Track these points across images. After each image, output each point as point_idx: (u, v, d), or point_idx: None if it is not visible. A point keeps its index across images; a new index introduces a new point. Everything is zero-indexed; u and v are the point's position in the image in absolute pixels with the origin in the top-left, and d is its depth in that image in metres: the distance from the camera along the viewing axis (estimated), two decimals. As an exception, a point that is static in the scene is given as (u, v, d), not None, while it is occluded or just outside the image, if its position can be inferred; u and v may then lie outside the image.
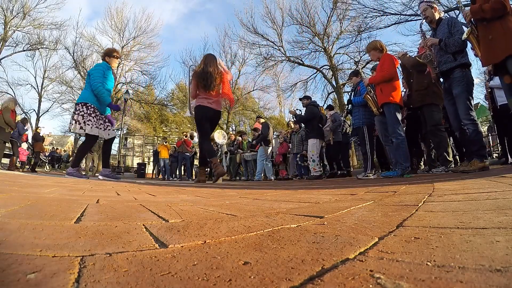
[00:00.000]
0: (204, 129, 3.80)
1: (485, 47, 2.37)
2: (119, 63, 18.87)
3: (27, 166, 10.66)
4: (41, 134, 9.34)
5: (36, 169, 8.93)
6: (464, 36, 2.54)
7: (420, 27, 3.25)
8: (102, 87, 3.65)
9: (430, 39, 2.99)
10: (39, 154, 9.12)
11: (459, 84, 2.75)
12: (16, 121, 7.32)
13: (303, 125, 6.13)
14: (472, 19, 2.44)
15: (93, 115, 3.65)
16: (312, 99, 5.86)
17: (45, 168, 11.73)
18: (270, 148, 6.97)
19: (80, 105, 3.64)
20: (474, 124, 2.68)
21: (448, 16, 3.08)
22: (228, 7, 41.69)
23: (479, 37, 2.42)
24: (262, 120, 7.42)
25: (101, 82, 3.66)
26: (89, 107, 3.64)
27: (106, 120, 3.92)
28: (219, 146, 9.60)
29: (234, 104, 3.98)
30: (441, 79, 3.13)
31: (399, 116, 3.36)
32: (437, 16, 3.01)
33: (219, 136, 10.00)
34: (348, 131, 5.96)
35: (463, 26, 2.82)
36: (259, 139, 6.90)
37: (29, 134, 9.43)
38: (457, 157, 4.43)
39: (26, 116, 16.63)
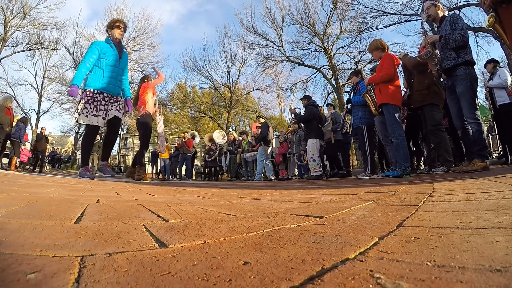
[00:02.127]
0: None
1: (510, 32, 2.10)
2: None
3: (27, 166, 10.66)
4: (43, 134, 9.30)
5: (42, 170, 8.94)
6: (486, 24, 2.28)
7: (422, 24, 3.24)
8: (83, 66, 3.25)
9: (431, 36, 2.95)
10: (40, 154, 9.10)
11: (462, 82, 2.69)
12: (15, 119, 7.32)
13: (302, 124, 6.13)
14: (490, 5, 2.16)
15: (90, 101, 3.26)
16: (312, 99, 5.85)
17: (45, 168, 11.72)
18: (270, 148, 6.97)
19: (83, 92, 3.32)
20: (478, 123, 2.65)
21: (453, 13, 3.00)
22: (227, 8, 41.71)
23: (503, 23, 2.13)
24: (262, 120, 7.42)
25: (86, 61, 3.26)
26: (88, 93, 3.27)
27: (117, 102, 3.50)
28: (218, 145, 9.60)
29: (141, 107, 4.61)
30: (442, 78, 3.12)
31: (399, 116, 3.36)
32: (440, 14, 2.95)
33: (218, 136, 10.01)
34: (348, 131, 5.96)
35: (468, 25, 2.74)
36: (258, 139, 6.90)
37: (29, 134, 9.42)
38: (456, 157, 4.44)
39: (26, 116, 16.63)
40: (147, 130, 4.68)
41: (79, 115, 3.22)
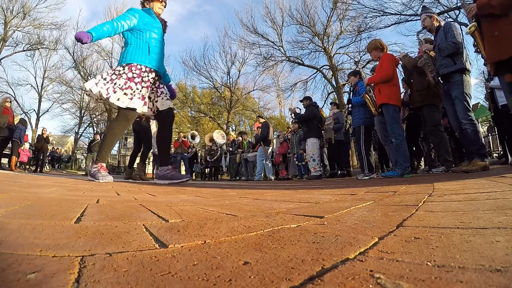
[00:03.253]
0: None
1: (490, 44, 2.25)
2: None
3: (28, 166, 10.67)
4: (44, 136, 9.30)
5: (42, 170, 8.96)
6: (467, 31, 2.43)
7: (417, 35, 3.39)
8: (111, 22, 2.49)
9: (426, 45, 3.17)
10: (40, 154, 9.11)
11: (458, 87, 2.84)
12: (14, 119, 7.33)
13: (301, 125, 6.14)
14: (475, 15, 2.31)
15: (138, 80, 2.53)
16: (312, 100, 5.86)
17: (45, 168, 11.74)
18: (270, 148, 6.96)
19: (120, 67, 2.56)
20: (473, 124, 2.76)
21: (446, 22, 3.14)
22: (226, 8, 41.73)
23: (483, 33, 2.30)
24: (262, 120, 7.41)
25: (114, 21, 2.51)
26: (134, 69, 2.53)
27: (160, 87, 2.78)
28: (218, 146, 9.61)
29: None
30: (441, 81, 3.19)
31: (399, 116, 3.36)
32: (436, 25, 3.11)
33: (218, 136, 10.02)
34: (349, 131, 5.96)
35: (462, 29, 2.87)
36: (258, 139, 6.91)
37: (29, 134, 9.45)
38: (456, 157, 4.44)
39: (26, 116, 16.63)
40: (150, 133, 4.92)
41: (119, 93, 2.43)
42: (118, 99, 2.41)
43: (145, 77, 2.56)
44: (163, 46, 2.83)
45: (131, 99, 2.45)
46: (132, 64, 2.53)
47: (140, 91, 2.51)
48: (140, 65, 2.55)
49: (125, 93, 2.43)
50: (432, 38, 3.36)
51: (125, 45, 2.68)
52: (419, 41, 3.41)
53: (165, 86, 2.88)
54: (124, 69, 2.50)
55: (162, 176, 2.80)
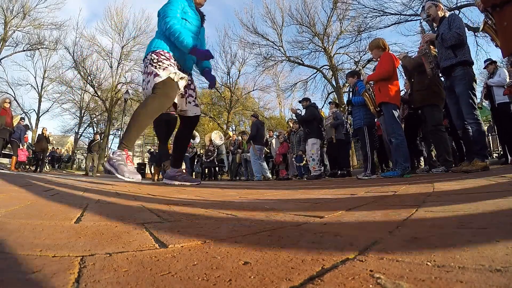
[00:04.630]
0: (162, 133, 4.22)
1: (501, 35, 2.17)
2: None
3: (28, 167, 10.67)
4: (43, 135, 9.29)
5: (42, 170, 8.95)
6: (481, 28, 2.39)
7: (420, 23, 3.27)
8: (177, 24, 2.31)
9: (428, 34, 3.00)
10: (40, 154, 9.12)
11: (460, 83, 2.71)
12: (14, 119, 7.33)
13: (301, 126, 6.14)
14: (485, 8, 2.24)
15: (172, 61, 2.31)
16: (312, 101, 5.86)
17: (45, 168, 11.73)
18: (263, 147, 6.88)
19: (149, 55, 2.31)
20: (478, 123, 2.65)
21: (452, 13, 3.02)
22: (226, 8, 41.52)
23: (496, 26, 2.22)
24: (254, 119, 7.35)
25: (176, 18, 2.33)
26: (164, 54, 2.31)
27: (191, 87, 2.66)
28: (215, 146, 9.59)
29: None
30: (442, 78, 3.13)
31: (399, 116, 3.35)
32: (440, 15, 2.97)
33: (216, 137, 10.00)
34: (349, 131, 5.96)
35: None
36: (248, 138, 6.93)
37: (29, 134, 9.45)
38: (457, 157, 4.44)
39: (25, 117, 16.61)
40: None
41: (161, 71, 2.21)
42: (156, 77, 2.19)
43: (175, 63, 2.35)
44: (197, 42, 2.50)
45: (166, 68, 2.20)
46: (160, 51, 2.31)
47: (174, 67, 2.28)
48: (169, 53, 2.34)
49: (160, 68, 2.23)
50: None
51: (157, 32, 2.46)
52: (421, 29, 3.28)
53: (195, 87, 2.75)
54: (152, 55, 2.30)
55: (172, 177, 2.71)
